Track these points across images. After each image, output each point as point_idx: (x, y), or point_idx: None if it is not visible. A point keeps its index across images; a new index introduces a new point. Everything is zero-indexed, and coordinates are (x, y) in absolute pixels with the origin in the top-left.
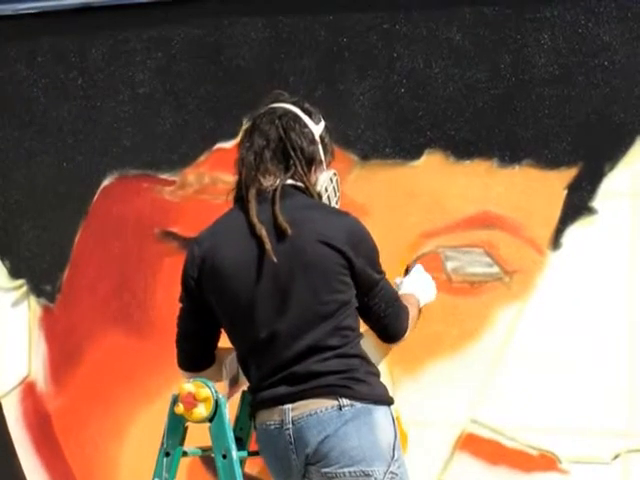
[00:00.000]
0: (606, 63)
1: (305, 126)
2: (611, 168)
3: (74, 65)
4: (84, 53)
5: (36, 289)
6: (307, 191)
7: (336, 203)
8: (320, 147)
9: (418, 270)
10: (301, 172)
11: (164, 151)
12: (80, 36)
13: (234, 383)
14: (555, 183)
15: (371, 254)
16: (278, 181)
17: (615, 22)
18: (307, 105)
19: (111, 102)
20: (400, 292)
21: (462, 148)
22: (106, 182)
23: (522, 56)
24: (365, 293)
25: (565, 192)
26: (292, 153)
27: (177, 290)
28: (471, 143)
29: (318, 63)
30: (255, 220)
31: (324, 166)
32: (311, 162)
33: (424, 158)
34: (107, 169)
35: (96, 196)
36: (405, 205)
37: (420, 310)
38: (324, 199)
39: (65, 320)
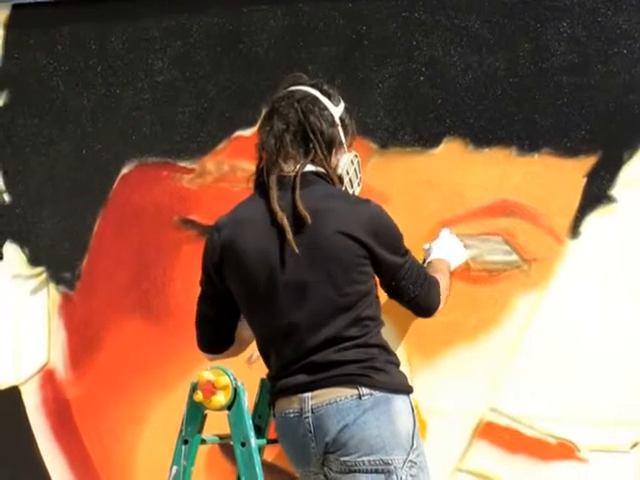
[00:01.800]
0: (625, 51)
1: (324, 108)
2: (630, 156)
3: (93, 53)
4: (103, 41)
5: (55, 277)
6: (327, 176)
7: (358, 185)
8: (340, 129)
9: (445, 234)
10: (321, 156)
11: (183, 139)
12: (99, 24)
13: None
14: (574, 171)
15: (393, 240)
16: (298, 166)
17: (635, 10)
18: (326, 87)
19: (130, 90)
20: (430, 258)
21: (481, 136)
22: (125, 170)
23: (541, 44)
24: (392, 277)
25: (584, 180)
26: (312, 136)
27: (196, 278)
28: (490, 131)
29: (337, 51)
30: (276, 208)
31: (345, 148)
32: (331, 145)
33: (443, 146)
34: (126, 157)
35: (115, 184)
36: (424, 193)
37: (452, 273)
38: (345, 182)
39: (84, 308)
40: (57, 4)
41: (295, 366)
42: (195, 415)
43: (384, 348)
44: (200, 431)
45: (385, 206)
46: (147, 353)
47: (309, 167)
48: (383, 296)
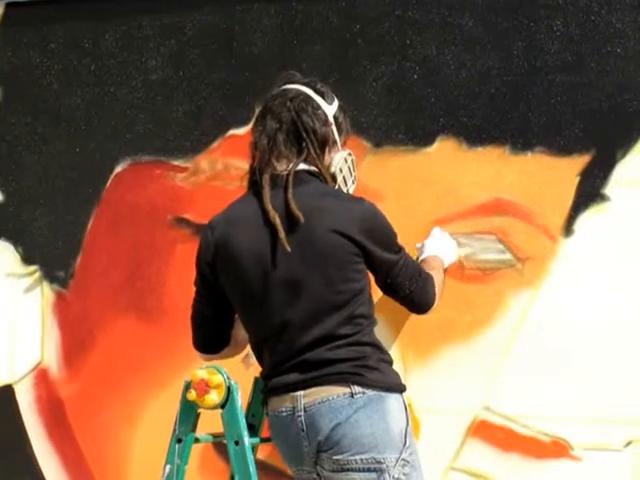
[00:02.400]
0: (619, 50)
1: (318, 107)
2: (623, 155)
3: (87, 51)
4: (97, 40)
5: (49, 275)
6: (321, 175)
7: (352, 182)
8: (334, 127)
9: (437, 232)
10: (314, 155)
11: (177, 138)
12: (93, 23)
13: None
14: (567, 170)
15: (386, 237)
16: (291, 165)
17: (628, 9)
18: (319, 85)
19: (124, 89)
20: (423, 256)
21: (475, 135)
22: (119, 169)
23: (535, 43)
24: (387, 274)
25: (577, 179)
26: (304, 135)
27: (190, 277)
28: (484, 130)
29: (331, 50)
30: (269, 207)
31: (339, 146)
32: (324, 143)
33: (437, 145)
34: (120, 155)
35: (109, 183)
36: (417, 192)
37: (445, 270)
38: (339, 180)
39: (78, 306)
40: (51, 2)
41: (288, 364)
42: (188, 414)
43: (377, 346)
44: (194, 430)
45: (379, 204)
46: (141, 352)
47: (302, 166)
48: (376, 294)
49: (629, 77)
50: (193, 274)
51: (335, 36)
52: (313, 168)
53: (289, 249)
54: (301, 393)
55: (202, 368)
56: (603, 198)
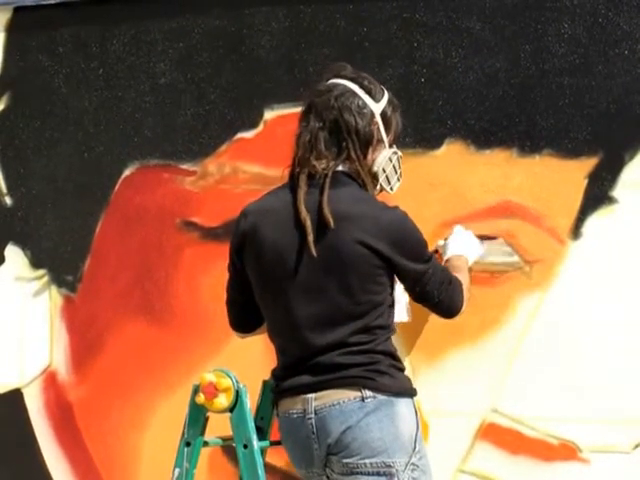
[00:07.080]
0: (626, 52)
1: (363, 105)
2: (631, 157)
3: (95, 55)
4: (105, 43)
5: (57, 279)
6: (360, 177)
7: (398, 180)
8: (380, 126)
9: (459, 229)
10: (354, 155)
11: (185, 141)
12: (101, 26)
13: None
14: (575, 173)
15: (415, 249)
16: (331, 164)
17: (636, 11)
18: (367, 82)
19: (132, 92)
20: (447, 255)
21: (482, 138)
22: (127, 172)
23: (542, 45)
24: (415, 284)
25: (585, 182)
26: (346, 135)
27: (198, 280)
28: (491, 133)
29: (338, 53)
30: (302, 207)
31: (386, 144)
32: (368, 143)
33: (444, 148)
34: (128, 159)
35: (117, 186)
36: (425, 194)
37: (470, 269)
38: (381, 179)
39: (86, 310)
40: (59, 6)
41: (299, 367)
42: (197, 417)
43: (391, 355)
44: (202, 433)
45: None
46: (150, 355)
47: (341, 167)
48: None
49: (637, 79)
50: (201, 277)
51: (342, 39)
52: (353, 168)
53: (315, 253)
54: (312, 396)
55: (211, 372)
56: (611, 200)
